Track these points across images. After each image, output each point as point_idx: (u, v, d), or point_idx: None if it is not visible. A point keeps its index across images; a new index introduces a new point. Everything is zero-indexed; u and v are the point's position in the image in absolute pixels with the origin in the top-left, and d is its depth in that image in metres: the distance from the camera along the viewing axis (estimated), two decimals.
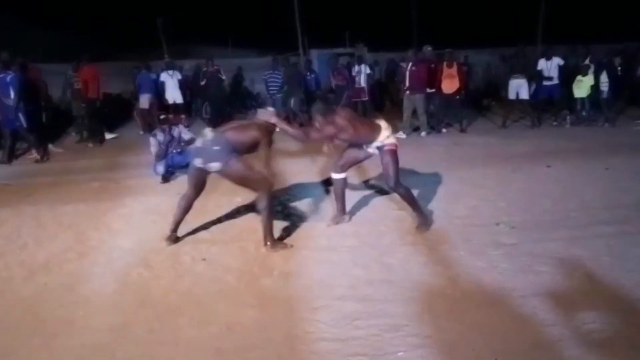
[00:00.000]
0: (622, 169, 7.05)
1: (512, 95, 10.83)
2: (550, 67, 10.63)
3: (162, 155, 7.27)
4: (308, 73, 12.90)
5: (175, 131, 7.38)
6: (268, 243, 4.68)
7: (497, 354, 3.00)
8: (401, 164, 5.02)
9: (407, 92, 10.46)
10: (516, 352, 3.02)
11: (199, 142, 4.73)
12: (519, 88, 10.71)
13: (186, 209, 4.94)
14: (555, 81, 10.64)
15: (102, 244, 5.05)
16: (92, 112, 10.99)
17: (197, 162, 4.63)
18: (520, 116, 11.37)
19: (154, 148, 7.28)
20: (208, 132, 4.70)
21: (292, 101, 11.60)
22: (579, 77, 10.62)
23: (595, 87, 10.58)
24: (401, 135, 10.14)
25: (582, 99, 10.70)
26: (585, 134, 9.83)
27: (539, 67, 10.81)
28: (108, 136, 11.45)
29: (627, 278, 3.85)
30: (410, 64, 10.45)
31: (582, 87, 10.59)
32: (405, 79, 10.48)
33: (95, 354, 3.18)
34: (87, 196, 6.72)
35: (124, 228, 5.48)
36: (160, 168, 7.26)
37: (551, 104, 11.22)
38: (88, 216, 5.88)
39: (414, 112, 10.65)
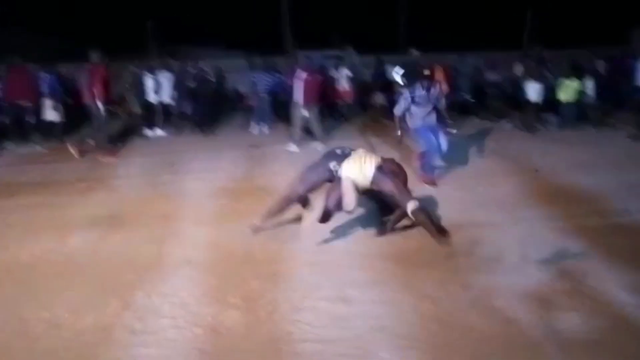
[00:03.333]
0: (608, 174, 7.11)
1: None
2: None
3: None
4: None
5: None
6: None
7: (482, 356, 3.02)
8: None
9: (301, 104, 9.30)
10: (501, 354, 3.04)
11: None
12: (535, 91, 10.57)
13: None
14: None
15: (87, 245, 5.01)
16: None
17: (331, 165, 4.77)
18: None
19: None
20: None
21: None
22: (566, 82, 10.71)
23: (582, 92, 10.66)
24: (291, 147, 9.28)
25: (568, 103, 10.79)
26: (572, 138, 9.91)
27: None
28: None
29: (613, 282, 3.89)
30: (306, 74, 9.31)
31: (568, 91, 10.68)
32: (300, 90, 9.30)
33: (78, 356, 3.15)
34: (73, 197, 6.65)
35: (110, 229, 5.44)
36: None
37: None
38: (73, 217, 5.82)
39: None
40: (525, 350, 3.06)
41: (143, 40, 17.71)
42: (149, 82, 11.35)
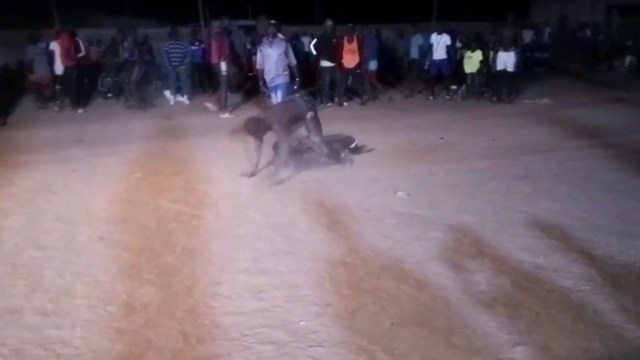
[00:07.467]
0: (508, 139, 7.55)
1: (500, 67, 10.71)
2: (439, 42, 11.07)
3: None
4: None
5: None
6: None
7: (393, 318, 3.17)
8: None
9: None
10: (411, 316, 3.20)
11: None
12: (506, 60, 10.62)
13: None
14: (443, 56, 11.11)
15: None
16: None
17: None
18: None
19: None
20: None
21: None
22: (469, 54, 11.18)
23: (485, 63, 11.14)
24: None
25: (472, 74, 11.29)
26: (475, 107, 10.39)
27: (431, 41, 11.21)
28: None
29: (511, 242, 4.18)
30: None
31: (471, 63, 11.17)
32: None
33: None
34: None
35: (14, 208, 5.17)
36: None
37: (441, 78, 11.66)
38: None
39: None
40: (435, 312, 3.25)
41: (44, 5, 16.57)
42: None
